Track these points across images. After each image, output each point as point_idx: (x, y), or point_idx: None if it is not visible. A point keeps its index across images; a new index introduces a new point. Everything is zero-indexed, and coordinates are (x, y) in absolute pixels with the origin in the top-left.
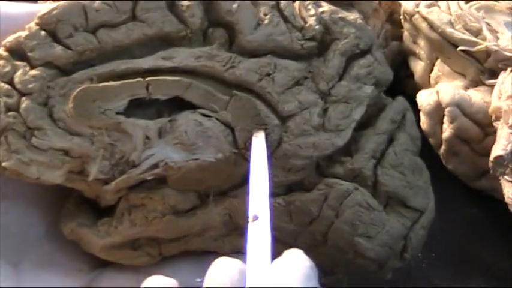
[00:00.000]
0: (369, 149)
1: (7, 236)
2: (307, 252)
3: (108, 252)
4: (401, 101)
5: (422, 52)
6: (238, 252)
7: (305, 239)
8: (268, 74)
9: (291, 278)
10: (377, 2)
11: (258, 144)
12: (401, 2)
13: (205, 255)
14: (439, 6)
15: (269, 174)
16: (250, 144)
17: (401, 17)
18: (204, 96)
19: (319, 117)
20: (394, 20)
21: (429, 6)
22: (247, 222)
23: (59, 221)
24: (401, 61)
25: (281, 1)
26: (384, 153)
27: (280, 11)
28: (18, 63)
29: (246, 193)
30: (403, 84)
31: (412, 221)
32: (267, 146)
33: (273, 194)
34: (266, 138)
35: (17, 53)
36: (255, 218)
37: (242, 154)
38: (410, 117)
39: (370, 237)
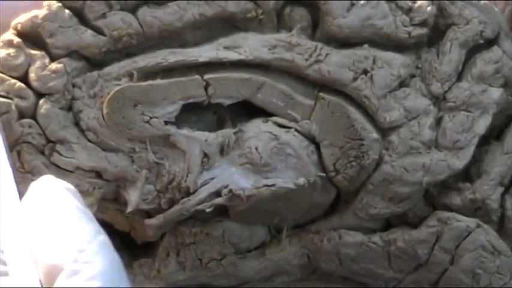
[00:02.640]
0: (495, 174)
1: None
2: None
3: None
4: None
5: None
6: None
7: None
8: (366, 72)
9: (47, 206)
10: None
11: None
12: None
13: None
14: None
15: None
16: None
17: None
18: (281, 99)
19: (431, 130)
20: None
21: None
22: None
23: None
24: None
25: None
26: None
27: None
28: (35, 52)
29: (332, 228)
30: None
31: None
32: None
33: (367, 230)
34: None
35: (32, 38)
36: None
37: (330, 178)
38: None
39: None
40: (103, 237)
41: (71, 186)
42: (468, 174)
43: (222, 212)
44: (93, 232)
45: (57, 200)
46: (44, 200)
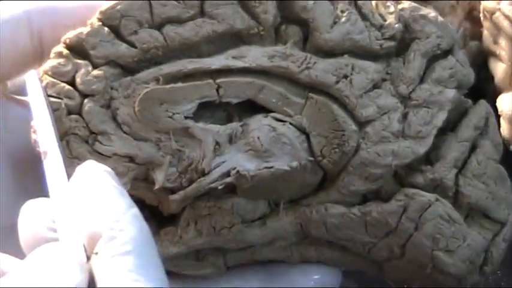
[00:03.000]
0: (450, 158)
1: None
2: (382, 264)
3: (171, 262)
4: (483, 105)
5: (503, 53)
6: (308, 261)
7: (381, 251)
8: (346, 76)
9: (89, 185)
10: None
11: (33, 82)
12: None
13: (273, 265)
14: None
15: (49, 109)
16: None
17: (481, 14)
18: (278, 99)
19: (399, 123)
20: (473, 17)
21: None
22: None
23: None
24: (480, 62)
25: None
26: (466, 162)
27: (358, 8)
28: (80, 61)
29: (319, 202)
30: (483, 87)
31: (493, 233)
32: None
33: (347, 203)
34: (39, 76)
35: (78, 50)
36: (46, 154)
37: (318, 162)
38: (493, 123)
39: (450, 251)
40: (135, 210)
41: (109, 169)
42: (429, 158)
43: (231, 189)
44: (126, 205)
45: (97, 180)
46: (87, 180)
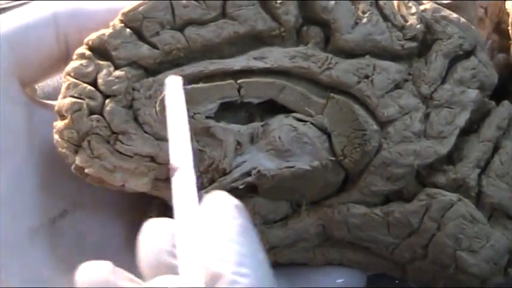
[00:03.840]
0: (473, 158)
1: (82, 248)
2: (405, 265)
3: None
4: (507, 106)
5: None
6: (331, 264)
7: (403, 252)
8: (367, 76)
9: (217, 218)
10: (483, 10)
11: (174, 89)
12: (509, 11)
13: (295, 267)
14: None
15: (188, 121)
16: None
17: (509, 27)
18: (299, 99)
19: (420, 123)
20: (501, 30)
21: None
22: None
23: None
24: (508, 74)
25: None
26: (489, 162)
27: (379, 9)
28: (102, 62)
29: (341, 202)
30: (510, 99)
31: None
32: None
33: (369, 204)
34: (182, 83)
35: (100, 52)
36: (175, 170)
37: (339, 161)
38: None
39: (473, 251)
40: (261, 256)
41: (239, 203)
42: (451, 159)
43: (252, 189)
44: (253, 249)
45: (227, 215)
46: (216, 212)
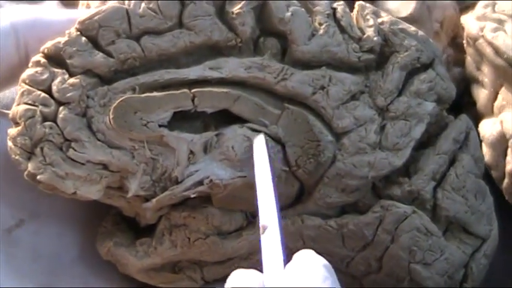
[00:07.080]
0: (428, 170)
1: (38, 258)
2: (361, 278)
3: (146, 274)
4: (464, 120)
5: (485, 79)
6: None
7: (358, 265)
8: (323, 88)
9: (306, 279)
10: (438, 24)
11: (260, 149)
12: (464, 25)
13: None
14: (505, 31)
15: (273, 180)
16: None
17: (464, 41)
18: (254, 109)
19: (376, 134)
20: (456, 44)
21: (495, 31)
22: (260, 234)
23: (95, 241)
24: (463, 88)
25: (338, 10)
26: (445, 175)
27: (336, 21)
28: (57, 70)
29: (296, 214)
30: (465, 112)
31: (473, 249)
32: (268, 149)
33: (325, 216)
34: (266, 142)
35: (55, 59)
36: (265, 228)
37: (293, 172)
38: (474, 137)
39: (427, 264)
40: None
41: (327, 263)
42: (407, 171)
43: (206, 200)
44: None
45: (314, 276)
46: (305, 273)
